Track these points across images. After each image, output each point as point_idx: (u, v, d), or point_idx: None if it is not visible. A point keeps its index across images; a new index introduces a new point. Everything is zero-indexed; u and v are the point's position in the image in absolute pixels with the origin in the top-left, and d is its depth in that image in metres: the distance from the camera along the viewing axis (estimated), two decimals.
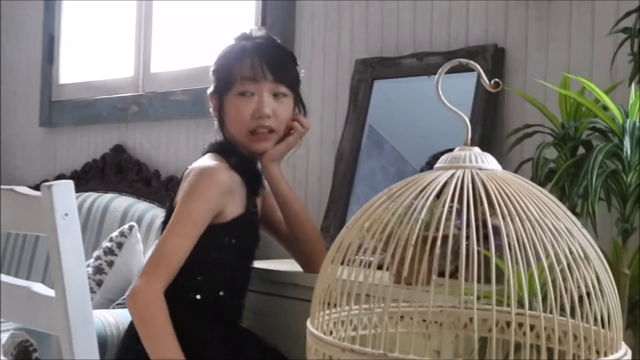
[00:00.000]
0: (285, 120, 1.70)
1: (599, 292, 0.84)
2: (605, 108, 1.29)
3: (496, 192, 0.87)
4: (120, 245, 2.14)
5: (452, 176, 0.90)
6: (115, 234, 2.19)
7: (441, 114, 1.99)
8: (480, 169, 0.92)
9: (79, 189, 3.03)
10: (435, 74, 2.03)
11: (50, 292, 1.09)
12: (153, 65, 2.96)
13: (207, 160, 1.64)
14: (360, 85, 2.17)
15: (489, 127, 1.85)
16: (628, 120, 1.20)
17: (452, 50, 1.97)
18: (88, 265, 2.17)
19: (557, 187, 1.27)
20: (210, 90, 1.74)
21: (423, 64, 2.01)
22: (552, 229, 0.84)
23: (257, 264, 1.91)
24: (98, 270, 2.11)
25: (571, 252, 0.84)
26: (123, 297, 1.97)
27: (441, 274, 0.84)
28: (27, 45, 3.58)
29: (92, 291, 2.09)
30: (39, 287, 1.13)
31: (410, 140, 2.14)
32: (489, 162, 0.94)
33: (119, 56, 3.14)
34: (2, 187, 1.16)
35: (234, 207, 1.62)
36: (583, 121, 1.32)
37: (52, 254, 1.06)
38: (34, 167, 3.42)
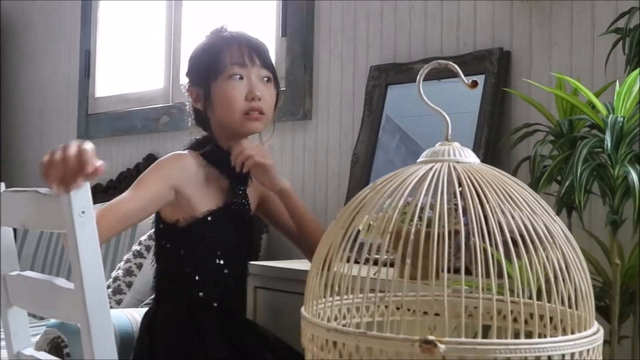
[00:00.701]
0: (272, 104, 1.73)
1: (565, 274, 0.89)
2: (594, 106, 1.34)
3: (469, 181, 0.92)
4: (148, 248, 2.23)
5: (430, 169, 0.96)
6: (144, 237, 2.28)
7: (450, 115, 2.05)
8: (457, 162, 0.98)
9: (114, 196, 3.13)
10: (445, 78, 2.09)
11: (70, 285, 1.17)
12: (182, 76, 3.06)
13: (182, 151, 1.70)
14: (375, 91, 2.23)
15: (495, 128, 1.90)
16: (610, 116, 1.24)
17: (461, 54, 2.02)
18: (119, 268, 2.27)
19: (548, 182, 1.32)
20: (188, 84, 1.76)
21: (433, 69, 2.06)
22: (519, 212, 0.89)
23: (275, 264, 1.99)
24: (128, 272, 2.20)
25: (536, 234, 0.89)
26: (151, 297, 2.06)
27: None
28: (65, 61, 3.71)
29: (123, 292, 2.18)
30: (60, 281, 1.21)
31: (423, 140, 2.19)
32: (467, 155, 1.00)
33: (151, 69, 3.24)
34: (27, 189, 1.25)
35: (207, 199, 1.65)
36: (572, 118, 1.37)
37: (70, 249, 1.14)
38: None
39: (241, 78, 1.68)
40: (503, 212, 0.92)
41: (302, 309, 0.98)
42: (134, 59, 3.40)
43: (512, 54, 1.94)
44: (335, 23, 2.43)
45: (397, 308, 1.14)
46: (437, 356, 0.82)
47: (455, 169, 0.95)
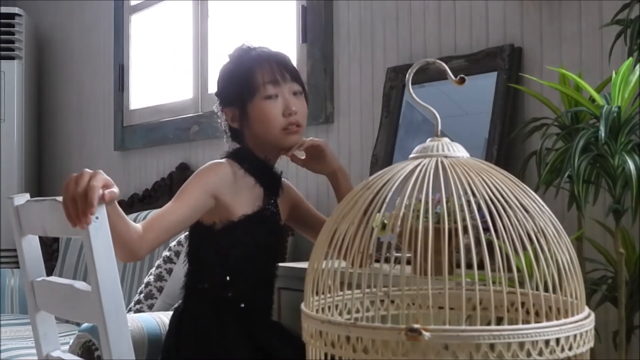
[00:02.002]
0: (306, 114, 1.79)
1: (549, 259, 0.91)
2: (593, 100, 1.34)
3: (454, 174, 0.95)
4: (177, 254, 2.28)
5: (417, 165, 0.98)
6: (173, 243, 2.33)
7: (464, 112, 2.06)
8: (446, 156, 1.00)
9: (151, 206, 3.21)
10: (459, 75, 2.11)
11: (88, 288, 1.23)
12: (210, 86, 3.12)
13: (220, 159, 1.75)
14: (392, 92, 2.25)
15: (508, 124, 1.91)
16: (605, 106, 1.25)
17: (474, 52, 2.04)
18: (150, 274, 2.33)
19: (550, 175, 1.33)
20: (222, 104, 1.81)
21: (449, 67, 2.08)
22: (502, 200, 0.91)
23: (299, 265, 2.02)
24: (159, 277, 2.26)
25: (518, 220, 0.91)
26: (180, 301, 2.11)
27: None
28: (101, 76, 3.81)
29: (154, 297, 2.24)
30: (80, 284, 1.26)
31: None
32: (456, 150, 1.02)
33: (180, 80, 3.32)
34: (47, 198, 1.31)
35: (243, 205, 1.71)
36: (572, 110, 1.38)
37: (86, 253, 1.19)
38: None
39: (276, 96, 1.73)
40: (492, 200, 0.94)
41: (302, 305, 1.01)
42: (164, 71, 3.48)
43: (524, 50, 1.95)
44: (353, 27, 2.46)
45: (413, 303, 1.16)
46: (422, 343, 0.84)
47: (442, 163, 0.97)
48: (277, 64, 1.75)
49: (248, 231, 1.71)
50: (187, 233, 2.34)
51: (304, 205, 1.93)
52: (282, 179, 1.86)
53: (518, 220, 0.90)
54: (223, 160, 1.75)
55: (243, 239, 1.71)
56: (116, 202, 1.40)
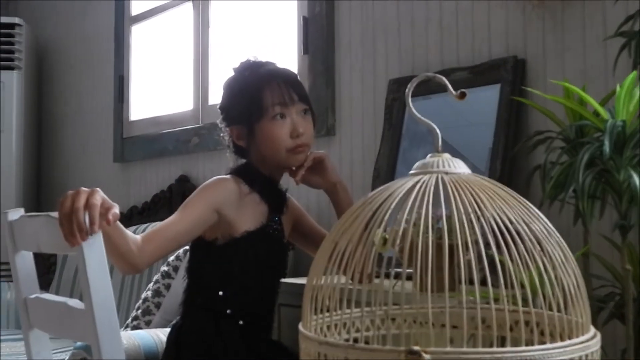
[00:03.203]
0: (312, 134, 1.79)
1: (552, 278, 0.89)
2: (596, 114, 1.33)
3: (455, 191, 0.93)
4: (176, 269, 2.27)
5: (417, 181, 0.97)
6: (171, 258, 2.32)
7: (468, 124, 2.05)
8: (446, 173, 0.98)
9: (150, 218, 3.20)
10: (462, 88, 2.10)
11: (82, 305, 1.21)
12: (211, 97, 3.12)
13: (225, 175, 1.75)
14: (394, 104, 2.24)
15: (511, 137, 1.89)
16: (610, 120, 1.24)
17: (477, 64, 2.03)
18: (148, 289, 2.31)
19: (553, 189, 1.31)
20: (227, 121, 1.80)
21: (451, 80, 2.05)
22: (506, 221, 0.90)
23: (300, 280, 2.01)
24: (157, 293, 2.24)
25: (521, 239, 0.89)
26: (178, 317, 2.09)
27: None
28: (101, 87, 3.80)
29: (152, 313, 2.23)
30: (74, 302, 1.25)
31: (446, 151, 2.20)
32: (457, 166, 1.00)
33: (181, 91, 3.31)
34: (40, 213, 1.30)
35: (246, 221, 1.70)
36: (575, 124, 1.36)
37: (79, 270, 1.18)
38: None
39: (284, 117, 1.73)
40: (493, 217, 0.92)
41: (300, 325, 1.00)
42: (164, 82, 3.47)
43: (527, 61, 1.94)
44: (355, 39, 2.46)
45: (414, 321, 1.15)
46: None
47: (442, 179, 0.96)
48: (285, 84, 1.75)
49: (250, 247, 1.70)
50: (186, 248, 2.34)
51: (305, 219, 1.92)
52: (288, 197, 1.86)
53: (524, 243, 0.88)
54: (228, 176, 1.74)
55: (245, 255, 1.70)
56: None
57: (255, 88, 1.75)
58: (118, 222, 1.43)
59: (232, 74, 1.82)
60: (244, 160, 1.81)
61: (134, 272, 1.56)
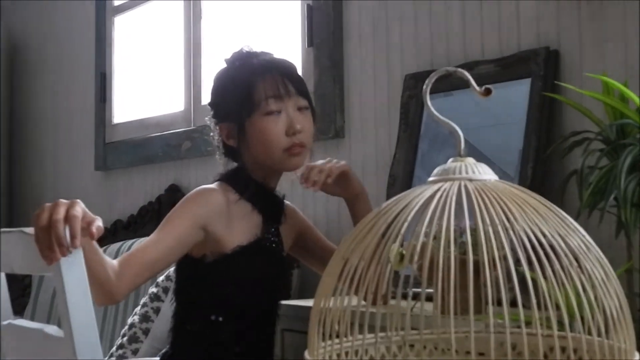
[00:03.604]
0: (312, 134, 1.79)
1: (592, 298, 0.89)
2: None
3: (480, 200, 0.93)
4: (166, 290, 2.28)
5: (438, 189, 0.97)
6: (161, 278, 2.32)
7: (495, 124, 2.05)
8: (470, 180, 0.99)
9: (136, 234, 3.21)
10: (488, 83, 2.11)
11: (61, 333, 1.22)
12: (204, 97, 3.13)
13: (211, 184, 1.75)
14: (411, 102, 2.25)
15: (544, 138, 1.89)
16: None
17: (505, 56, 2.04)
18: (135, 314, 2.32)
19: (592, 197, 1.32)
20: (216, 118, 1.81)
21: (475, 74, 2.07)
22: (536, 231, 0.90)
23: (306, 302, 2.01)
24: (144, 318, 2.25)
25: (560, 262, 0.90)
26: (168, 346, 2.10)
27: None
28: (80, 85, 3.82)
29: (139, 340, 2.23)
30: (51, 329, 1.26)
31: (471, 155, 2.20)
32: (482, 172, 1.01)
33: (170, 90, 3.33)
34: (13, 229, 1.31)
35: (238, 235, 1.70)
36: (616, 123, 1.37)
37: (57, 291, 1.18)
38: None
39: (278, 112, 1.73)
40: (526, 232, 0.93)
41: (306, 353, 1.00)
42: (152, 80, 3.49)
43: (560, 53, 1.94)
44: (366, 29, 2.46)
45: (435, 347, 1.15)
46: None
47: (466, 187, 0.96)
48: (281, 75, 1.74)
49: (244, 264, 1.70)
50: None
51: (312, 232, 1.92)
52: (286, 203, 1.85)
53: (559, 260, 0.88)
54: (214, 185, 1.74)
55: (238, 273, 1.70)
56: None
57: (246, 80, 1.74)
58: (96, 244, 1.43)
59: (223, 66, 1.83)
60: (235, 165, 1.81)
61: (111, 303, 1.54)
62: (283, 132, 1.72)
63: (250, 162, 1.77)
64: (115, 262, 1.53)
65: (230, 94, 1.77)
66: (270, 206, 1.78)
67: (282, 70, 1.76)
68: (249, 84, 1.73)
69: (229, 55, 1.82)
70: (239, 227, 1.71)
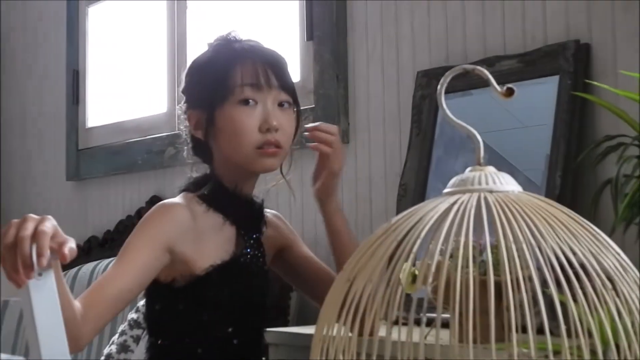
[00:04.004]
0: (291, 135, 1.77)
1: (628, 324, 0.90)
2: None
3: (502, 214, 0.94)
4: None
5: (454, 202, 0.98)
6: (142, 303, 2.33)
7: (519, 127, 2.06)
8: (491, 191, 0.99)
9: (113, 252, 3.20)
10: (511, 81, 2.12)
11: None
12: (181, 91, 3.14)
13: (173, 198, 1.74)
14: (424, 103, 2.26)
15: (574, 143, 1.90)
16: None
17: (528, 51, 2.05)
18: (112, 343, 2.32)
19: (628, 210, 1.32)
20: (185, 106, 1.80)
21: (495, 71, 2.09)
22: (565, 249, 0.90)
23: (306, 330, 2.01)
24: (123, 347, 2.25)
25: (602, 285, 0.90)
26: None
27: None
28: (50, 85, 3.81)
29: None
30: None
31: (492, 162, 2.21)
32: (504, 182, 1.01)
33: (152, 90, 3.34)
34: None
35: (209, 253, 1.68)
36: None
37: (25, 318, 1.19)
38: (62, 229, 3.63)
39: (254, 103, 1.71)
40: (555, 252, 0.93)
41: None
42: (131, 79, 3.50)
43: (592, 47, 1.95)
44: (373, 20, 2.47)
45: None
46: None
47: (486, 200, 0.97)
48: (263, 63, 1.73)
49: (220, 287, 1.69)
50: None
51: (298, 248, 1.90)
52: (267, 211, 1.84)
53: (591, 281, 0.89)
54: (176, 199, 1.74)
55: (214, 297, 1.69)
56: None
57: (223, 63, 1.74)
58: (63, 278, 1.43)
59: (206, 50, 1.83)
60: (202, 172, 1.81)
61: (75, 350, 1.47)
62: (256, 126, 1.70)
63: (220, 163, 1.76)
64: (76, 302, 1.51)
65: (203, 76, 1.77)
66: (245, 215, 1.76)
67: (266, 58, 1.75)
68: (225, 67, 1.72)
69: (212, 40, 1.83)
70: (210, 244, 1.70)
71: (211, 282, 1.68)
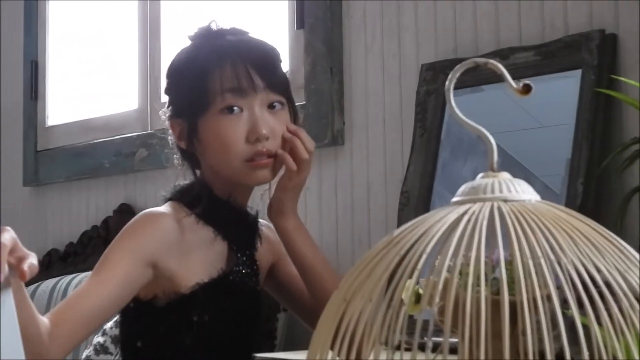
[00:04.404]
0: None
1: None
2: None
3: (518, 226, 0.95)
4: (116, 340, 2.28)
5: (464, 213, 0.99)
6: (109, 325, 2.33)
7: (537, 127, 2.07)
8: (505, 200, 1.00)
9: (77, 268, 3.20)
10: (528, 74, 2.12)
11: None
12: (163, 92, 3.13)
13: (159, 207, 1.75)
14: (429, 100, 2.27)
15: (598, 146, 1.91)
16: None
17: (547, 42, 2.06)
18: None
19: None
20: (169, 112, 1.80)
21: (510, 64, 2.10)
22: (588, 265, 0.91)
23: (295, 355, 2.02)
24: None
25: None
26: None
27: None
28: (4, 78, 3.80)
29: None
30: None
31: (505, 166, 2.22)
32: (520, 190, 1.02)
33: (121, 83, 3.34)
34: None
35: (196, 269, 1.69)
36: None
37: None
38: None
39: (240, 110, 1.71)
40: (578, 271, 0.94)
41: None
42: (97, 71, 3.49)
43: (619, 38, 1.97)
44: (372, 6, 2.48)
45: None
46: None
47: (500, 210, 0.98)
48: (245, 63, 1.71)
49: (207, 307, 1.70)
50: None
51: (286, 261, 1.89)
52: (261, 223, 1.85)
53: (617, 301, 0.90)
54: (163, 207, 1.74)
55: (200, 319, 1.69)
56: None
57: (200, 66, 1.73)
58: (26, 294, 1.43)
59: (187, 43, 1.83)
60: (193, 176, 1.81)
61: None
62: (243, 137, 1.70)
63: (210, 172, 1.78)
64: (45, 318, 1.52)
65: (182, 82, 1.77)
66: (238, 229, 1.77)
67: (248, 55, 1.73)
68: (203, 72, 1.71)
69: (193, 32, 1.82)
70: (197, 260, 1.71)
71: (197, 302, 1.69)
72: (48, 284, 2.97)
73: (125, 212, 3.15)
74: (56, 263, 3.35)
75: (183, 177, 1.83)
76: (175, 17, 3.18)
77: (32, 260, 1.25)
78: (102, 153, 3.29)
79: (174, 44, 3.11)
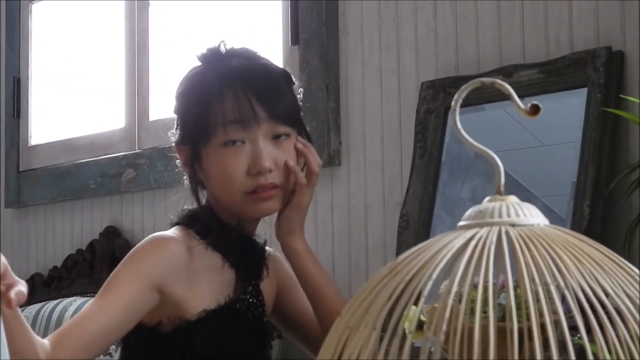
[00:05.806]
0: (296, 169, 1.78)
1: None
2: None
3: (525, 250, 0.96)
4: None
5: (471, 238, 1.00)
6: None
7: (541, 147, 2.08)
8: (513, 224, 1.01)
9: (61, 293, 3.20)
10: (532, 92, 2.12)
11: None
12: (152, 110, 3.15)
13: (167, 231, 1.76)
14: (429, 119, 2.28)
15: (605, 167, 1.93)
16: None
17: (552, 59, 2.07)
18: None
19: None
20: (175, 137, 1.83)
21: (514, 82, 2.11)
22: (597, 290, 0.93)
23: None
24: None
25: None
26: None
27: None
28: None
29: None
30: None
31: (510, 188, 2.22)
32: (529, 214, 1.03)
33: (108, 101, 3.34)
34: None
35: (203, 296, 1.71)
36: None
37: None
38: None
39: (243, 142, 1.73)
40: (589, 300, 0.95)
41: None
42: (83, 88, 3.49)
43: (626, 55, 1.98)
44: (369, 21, 2.49)
45: None
46: None
47: (508, 234, 0.99)
48: (247, 93, 1.72)
49: (212, 335, 1.71)
50: None
51: (294, 290, 1.92)
52: (268, 251, 1.86)
53: (627, 326, 0.91)
54: (170, 232, 1.75)
55: (205, 346, 1.70)
56: None
57: (204, 95, 1.75)
58: (21, 317, 1.44)
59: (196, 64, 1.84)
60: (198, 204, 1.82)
61: None
62: (244, 170, 1.72)
63: (215, 199, 1.80)
64: (45, 341, 1.53)
65: (187, 109, 1.80)
66: (246, 257, 1.79)
67: (252, 84, 1.73)
68: (205, 102, 1.74)
69: (201, 52, 1.82)
70: (205, 286, 1.72)
71: (202, 329, 1.70)
72: (31, 309, 2.96)
73: (111, 235, 3.15)
74: (39, 288, 3.34)
75: (188, 203, 1.84)
76: (164, 33, 3.18)
77: (20, 288, 1.26)
78: (87, 174, 3.29)
79: (162, 60, 3.13)
